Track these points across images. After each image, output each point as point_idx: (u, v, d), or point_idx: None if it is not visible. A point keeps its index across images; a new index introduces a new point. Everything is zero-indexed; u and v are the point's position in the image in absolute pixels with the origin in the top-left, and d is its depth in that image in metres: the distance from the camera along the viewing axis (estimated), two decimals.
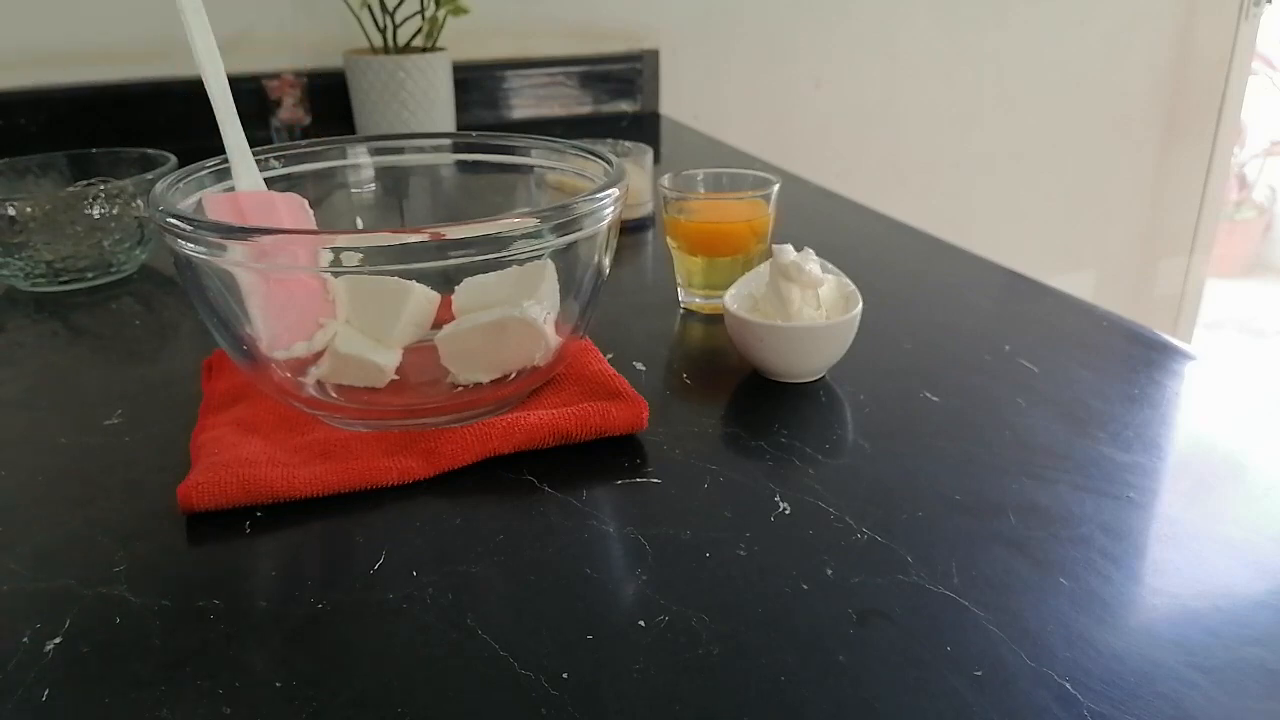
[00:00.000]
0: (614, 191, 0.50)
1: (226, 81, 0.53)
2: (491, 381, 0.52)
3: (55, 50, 1.17)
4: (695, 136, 1.37)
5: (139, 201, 0.75)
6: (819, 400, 0.56)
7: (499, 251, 0.45)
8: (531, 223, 0.46)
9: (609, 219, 0.50)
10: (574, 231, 0.48)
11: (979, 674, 0.35)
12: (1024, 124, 1.76)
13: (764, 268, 0.60)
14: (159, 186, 0.50)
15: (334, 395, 0.51)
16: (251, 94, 1.20)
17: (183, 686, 0.35)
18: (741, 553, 0.42)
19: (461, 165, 0.67)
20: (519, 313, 0.49)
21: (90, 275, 0.76)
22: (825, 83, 1.59)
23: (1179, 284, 2.06)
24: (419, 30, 1.21)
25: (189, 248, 0.45)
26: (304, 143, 0.62)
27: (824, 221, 0.94)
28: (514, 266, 0.48)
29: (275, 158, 0.60)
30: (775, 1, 1.51)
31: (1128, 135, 1.87)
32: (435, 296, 0.52)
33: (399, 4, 1.18)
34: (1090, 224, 1.91)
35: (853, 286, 0.59)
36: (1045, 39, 1.72)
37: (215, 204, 0.54)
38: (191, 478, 0.45)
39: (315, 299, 0.50)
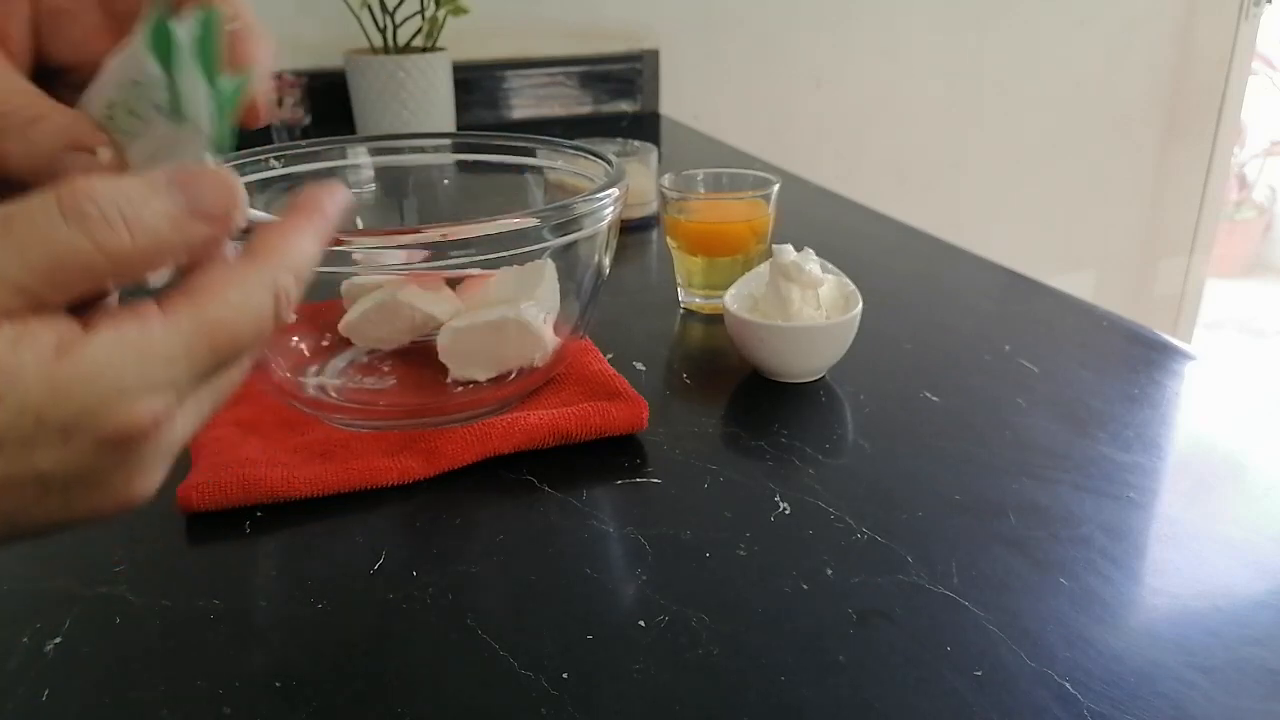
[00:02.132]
0: (614, 191, 0.50)
1: None
2: (491, 381, 0.52)
3: None
4: (695, 136, 1.37)
5: None
6: (819, 400, 0.56)
7: (499, 251, 0.45)
8: (531, 223, 0.45)
9: (609, 219, 0.50)
10: (574, 231, 0.48)
11: (979, 674, 0.35)
12: (1024, 124, 1.76)
13: (764, 268, 0.60)
14: None
15: (334, 395, 0.51)
16: None
17: (183, 686, 0.35)
18: (741, 553, 0.42)
19: (461, 165, 0.67)
20: (516, 314, 0.49)
21: None
22: (825, 83, 1.59)
23: (1179, 284, 2.06)
24: (419, 30, 1.21)
25: None
26: (304, 143, 0.62)
27: (824, 221, 0.94)
28: (514, 266, 0.48)
29: (275, 158, 0.59)
30: (775, 1, 1.51)
31: (1128, 135, 1.87)
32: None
33: (399, 4, 1.18)
34: (1090, 224, 1.91)
35: (853, 286, 0.59)
36: (1045, 39, 1.72)
37: None
38: (191, 478, 0.45)
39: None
